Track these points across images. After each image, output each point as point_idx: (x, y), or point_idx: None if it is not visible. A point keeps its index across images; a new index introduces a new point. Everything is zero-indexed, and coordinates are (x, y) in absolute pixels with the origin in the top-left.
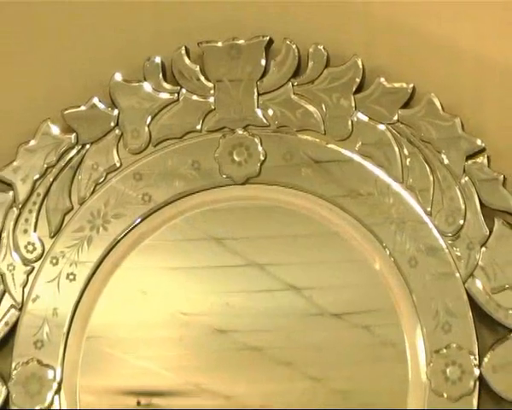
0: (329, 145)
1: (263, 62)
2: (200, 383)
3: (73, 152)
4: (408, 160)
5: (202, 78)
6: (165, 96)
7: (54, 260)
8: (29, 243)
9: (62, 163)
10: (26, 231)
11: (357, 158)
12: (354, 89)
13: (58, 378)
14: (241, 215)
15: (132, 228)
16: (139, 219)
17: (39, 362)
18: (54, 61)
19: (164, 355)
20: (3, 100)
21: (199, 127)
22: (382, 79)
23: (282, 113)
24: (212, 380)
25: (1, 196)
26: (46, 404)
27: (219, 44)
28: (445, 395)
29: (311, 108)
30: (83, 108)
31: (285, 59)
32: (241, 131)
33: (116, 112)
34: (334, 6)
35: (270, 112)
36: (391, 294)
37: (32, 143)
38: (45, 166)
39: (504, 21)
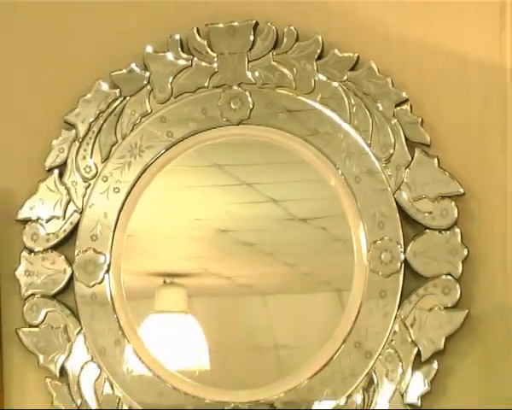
0: (298, 97)
1: (251, 38)
2: (208, 268)
3: (117, 102)
4: (354, 107)
5: (209, 50)
6: (182, 62)
7: (104, 178)
8: (87, 166)
9: (110, 110)
10: (84, 158)
11: (318, 106)
12: (316, 57)
13: (107, 262)
14: (236, 148)
15: (159, 156)
16: (163, 150)
17: (94, 250)
18: (104, 37)
19: (182, 248)
20: (68, 66)
21: (206, 84)
22: (336, 50)
23: (265, 74)
24: (216, 266)
25: (67, 133)
26: (99, 280)
27: (220, 25)
28: (380, 273)
29: (285, 70)
30: (124, 70)
31: (267, 36)
32: (236, 87)
33: (148, 74)
34: None
35: (257, 74)
36: (342, 203)
37: (88, 96)
38: (98, 112)
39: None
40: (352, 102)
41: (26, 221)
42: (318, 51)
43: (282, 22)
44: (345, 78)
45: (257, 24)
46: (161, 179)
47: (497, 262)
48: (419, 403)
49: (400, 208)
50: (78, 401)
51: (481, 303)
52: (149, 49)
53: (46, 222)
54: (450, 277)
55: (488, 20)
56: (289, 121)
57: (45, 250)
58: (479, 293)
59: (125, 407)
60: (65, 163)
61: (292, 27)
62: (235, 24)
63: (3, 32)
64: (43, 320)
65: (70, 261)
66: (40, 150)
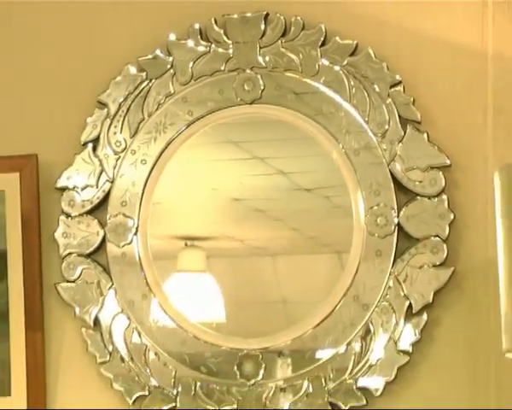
0: (304, 80)
1: (262, 28)
2: (224, 232)
3: (144, 84)
4: (353, 89)
5: (225, 38)
6: (201, 49)
7: (132, 152)
8: (117, 141)
9: (137, 91)
10: (115, 134)
11: (321, 88)
12: (319, 44)
13: (135, 226)
14: (249, 125)
15: (180, 133)
16: (184, 127)
17: (124, 215)
18: (132, 27)
19: (201, 215)
20: (101, 53)
21: (222, 68)
22: (337, 38)
23: (275, 59)
24: (231, 230)
25: (99, 111)
26: (128, 241)
27: (235, 16)
28: (376, 235)
29: (292, 56)
30: (150, 56)
31: (276, 26)
32: (249, 71)
33: (171, 59)
34: None
35: (267, 59)
36: (342, 174)
37: (118, 78)
38: (127, 93)
39: None
40: (352, 83)
41: (63, 189)
42: (322, 39)
43: (289, 13)
44: (345, 62)
45: (267, 15)
46: (183, 153)
47: (479, 225)
48: (410, 350)
49: (394, 178)
50: (110, 348)
51: (466, 261)
52: (172, 37)
53: (81, 190)
54: (438, 238)
55: (472, 11)
56: (296, 101)
57: (81, 215)
58: (464, 252)
59: (152, 353)
60: (98, 138)
61: (298, 17)
62: (248, 15)
63: (46, 23)
64: (78, 276)
65: (102, 225)
66: (76, 127)
